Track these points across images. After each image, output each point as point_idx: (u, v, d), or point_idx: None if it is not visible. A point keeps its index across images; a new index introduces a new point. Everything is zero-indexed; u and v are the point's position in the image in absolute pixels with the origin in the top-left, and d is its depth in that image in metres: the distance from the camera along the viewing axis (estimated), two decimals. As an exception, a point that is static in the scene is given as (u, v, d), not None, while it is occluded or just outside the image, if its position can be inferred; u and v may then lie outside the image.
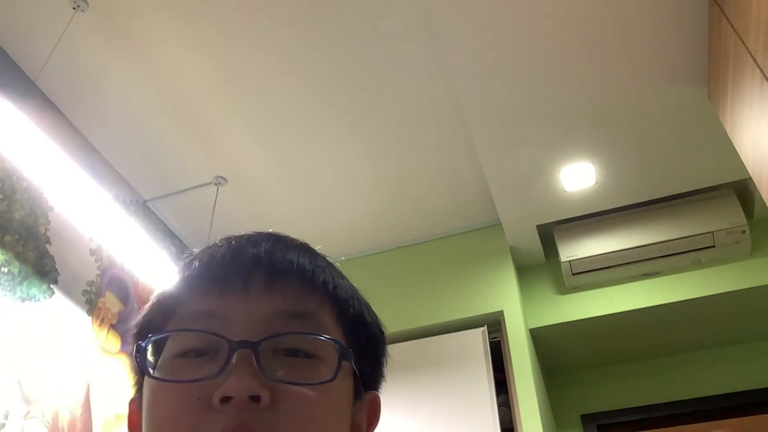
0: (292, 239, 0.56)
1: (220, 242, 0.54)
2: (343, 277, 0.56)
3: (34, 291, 2.01)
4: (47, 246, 2.11)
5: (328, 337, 0.49)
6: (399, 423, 2.44)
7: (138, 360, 0.49)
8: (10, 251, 1.95)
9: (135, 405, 0.52)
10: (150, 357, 0.49)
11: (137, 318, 0.54)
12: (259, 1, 2.07)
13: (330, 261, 0.57)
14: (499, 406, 2.39)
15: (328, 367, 0.47)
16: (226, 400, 0.42)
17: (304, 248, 0.55)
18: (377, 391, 0.56)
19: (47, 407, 1.94)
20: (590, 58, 2.10)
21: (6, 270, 1.92)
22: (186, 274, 0.51)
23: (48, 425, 1.93)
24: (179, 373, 0.46)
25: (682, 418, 2.84)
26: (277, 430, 0.43)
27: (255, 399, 0.42)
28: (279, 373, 0.45)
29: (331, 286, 0.52)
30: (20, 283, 1.96)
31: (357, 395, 0.52)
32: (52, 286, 2.09)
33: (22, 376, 1.88)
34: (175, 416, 0.44)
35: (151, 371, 0.47)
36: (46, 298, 2.05)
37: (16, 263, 1.97)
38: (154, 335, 0.49)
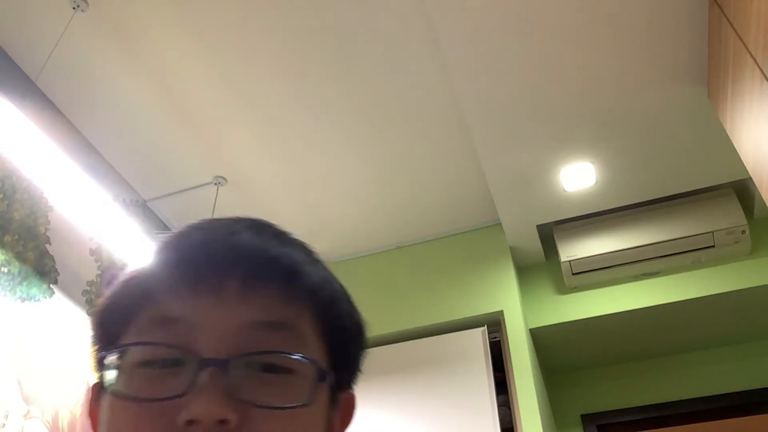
0: (275, 229, 0.50)
1: (195, 227, 0.49)
2: (325, 270, 0.51)
3: (34, 291, 2.01)
4: (47, 246, 2.11)
5: (305, 356, 0.44)
6: (399, 423, 2.44)
7: (97, 367, 0.45)
8: (10, 251, 1.95)
9: (96, 393, 0.48)
10: (111, 361, 0.44)
11: (99, 306, 0.49)
12: (259, 1, 2.07)
13: (313, 253, 0.52)
14: (499, 406, 2.39)
15: (303, 385, 0.44)
16: (191, 423, 0.39)
17: (287, 242, 0.49)
18: (352, 388, 0.53)
19: (47, 407, 1.94)
20: (590, 58, 2.10)
21: (6, 270, 1.92)
22: (155, 264, 0.46)
23: (48, 425, 1.93)
24: (142, 386, 0.42)
25: (682, 418, 2.84)
26: None
27: (223, 422, 0.39)
28: (250, 394, 0.41)
29: (313, 290, 0.47)
30: (20, 283, 1.96)
31: (333, 401, 0.49)
32: (52, 286, 2.09)
33: (22, 376, 1.88)
34: None
35: (112, 384, 0.43)
36: (46, 298, 2.05)
37: (16, 263, 1.97)
38: (114, 346, 0.44)
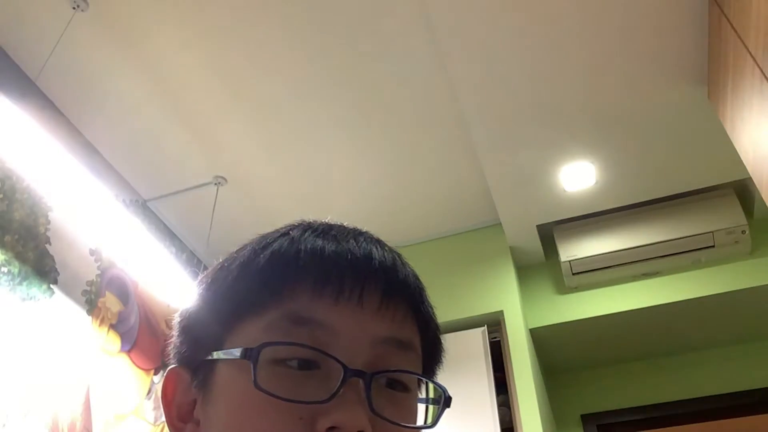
0: (387, 246, 0.53)
1: (315, 230, 0.51)
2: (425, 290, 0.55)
3: (34, 291, 2.01)
4: (47, 246, 2.11)
5: (439, 385, 0.50)
6: (399, 423, 2.43)
7: (248, 355, 0.43)
8: (10, 251, 1.95)
9: (179, 377, 0.49)
10: (243, 351, 0.44)
11: (214, 284, 0.49)
12: (259, 1, 2.07)
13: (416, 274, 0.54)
14: (499, 406, 2.39)
15: (415, 404, 0.49)
16: (332, 429, 0.41)
17: (406, 264, 0.52)
18: None
19: (47, 408, 1.94)
20: (590, 58, 2.10)
21: (6, 270, 1.92)
22: (277, 257, 0.47)
23: (48, 426, 1.92)
24: (281, 386, 0.42)
25: (682, 418, 2.84)
26: None
27: None
28: (384, 409, 0.44)
29: (425, 311, 0.51)
30: (20, 283, 1.96)
31: None
32: (52, 286, 2.09)
33: (23, 377, 1.88)
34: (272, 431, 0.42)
35: (255, 380, 0.42)
36: (46, 298, 2.05)
37: (16, 263, 1.96)
38: (265, 343, 0.43)
